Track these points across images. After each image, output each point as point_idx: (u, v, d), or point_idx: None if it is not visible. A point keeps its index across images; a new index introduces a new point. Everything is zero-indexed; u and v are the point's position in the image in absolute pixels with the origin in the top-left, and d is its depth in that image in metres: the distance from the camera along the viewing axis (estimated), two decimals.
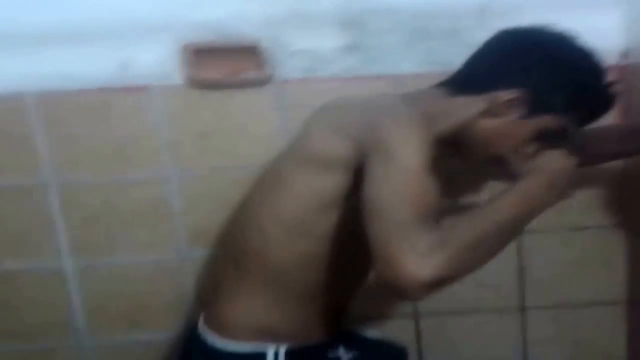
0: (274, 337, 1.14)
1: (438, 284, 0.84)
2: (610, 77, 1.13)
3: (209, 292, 1.29)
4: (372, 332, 1.35)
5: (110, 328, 1.56)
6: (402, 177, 0.91)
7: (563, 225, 1.55)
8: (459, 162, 1.24)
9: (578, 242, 1.57)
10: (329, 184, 1.05)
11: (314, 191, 1.07)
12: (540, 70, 1.07)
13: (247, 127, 1.45)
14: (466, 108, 1.10)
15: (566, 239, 1.57)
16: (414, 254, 0.83)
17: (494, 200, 0.96)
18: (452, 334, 1.62)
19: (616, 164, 1.50)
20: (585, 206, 1.54)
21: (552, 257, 1.58)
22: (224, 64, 1.40)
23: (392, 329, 1.47)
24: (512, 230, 0.98)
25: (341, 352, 1.20)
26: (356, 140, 1.01)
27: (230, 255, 1.23)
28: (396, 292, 0.86)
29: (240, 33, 1.39)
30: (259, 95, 1.42)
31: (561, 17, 1.38)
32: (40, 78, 1.39)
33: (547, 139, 1.09)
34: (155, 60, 1.40)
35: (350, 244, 1.06)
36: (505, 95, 1.07)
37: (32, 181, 1.46)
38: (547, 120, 1.08)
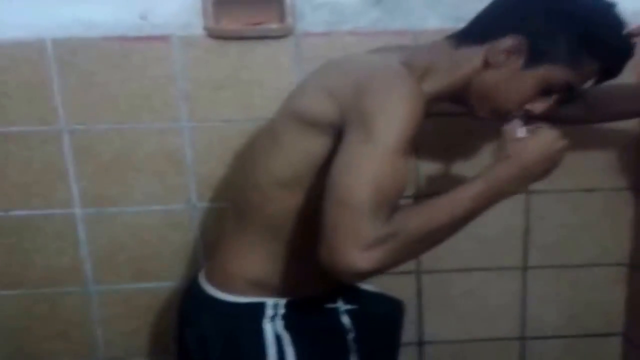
0: (273, 291, 1.14)
1: (373, 274, 0.87)
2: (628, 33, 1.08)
3: (212, 246, 1.29)
4: (370, 287, 1.35)
5: (117, 276, 1.57)
6: (374, 158, 0.89)
7: (572, 187, 1.56)
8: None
9: (585, 205, 1.58)
10: (318, 144, 1.02)
11: (305, 151, 1.04)
12: (542, 16, 1.04)
13: (264, 79, 1.43)
14: (467, 60, 1.08)
15: (574, 201, 1.57)
16: (357, 246, 0.84)
17: (457, 191, 0.95)
18: (453, 291, 1.64)
19: (632, 128, 1.50)
20: (595, 168, 1.55)
21: (558, 219, 1.59)
22: (244, 15, 1.38)
23: (393, 285, 1.48)
24: (467, 221, 0.97)
25: (339, 304, 1.22)
26: (343, 103, 0.97)
27: (232, 209, 1.23)
28: (328, 272, 0.88)
29: None
30: (279, 47, 1.41)
31: None
32: (60, 25, 1.38)
33: (552, 95, 1.08)
34: (175, 10, 1.38)
35: None
36: (504, 42, 1.04)
37: (46, 129, 1.45)
38: (550, 72, 1.05)
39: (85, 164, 1.48)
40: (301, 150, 1.05)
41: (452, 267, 1.61)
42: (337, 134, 0.97)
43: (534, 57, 1.04)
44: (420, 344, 1.67)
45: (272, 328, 1.10)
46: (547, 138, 1.02)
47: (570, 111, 1.27)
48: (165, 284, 1.58)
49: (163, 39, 1.40)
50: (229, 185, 1.49)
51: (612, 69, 1.10)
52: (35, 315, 1.58)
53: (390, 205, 0.89)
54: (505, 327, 1.67)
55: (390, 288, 1.45)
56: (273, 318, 1.12)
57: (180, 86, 1.43)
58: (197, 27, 1.39)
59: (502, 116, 1.09)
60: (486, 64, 1.06)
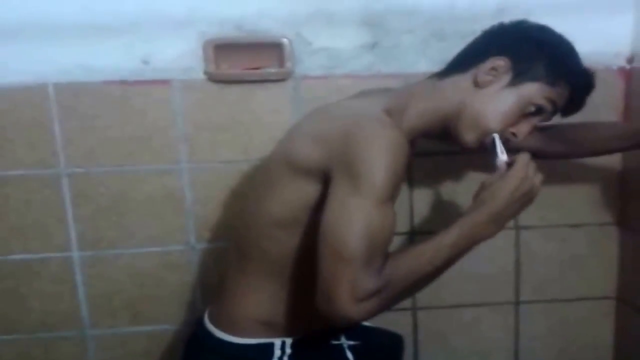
0: (279, 330, 1.15)
1: (365, 319, 0.93)
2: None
3: (215, 287, 1.30)
4: (369, 322, 1.38)
5: (113, 320, 1.56)
6: (363, 210, 0.92)
7: (559, 222, 1.61)
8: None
9: (573, 240, 1.63)
10: (311, 188, 1.04)
11: (298, 194, 1.06)
12: (519, 41, 1.13)
13: (263, 121, 1.47)
14: (454, 85, 1.14)
15: (562, 236, 1.62)
16: (354, 299, 0.88)
17: (437, 239, 0.98)
18: (448, 326, 1.66)
19: (615, 164, 1.57)
20: (582, 204, 1.60)
21: (548, 253, 1.63)
22: (244, 60, 1.42)
23: (390, 321, 1.49)
24: (449, 266, 1.01)
25: (343, 340, 1.23)
26: (330, 150, 1.00)
27: (233, 249, 1.24)
28: (325, 318, 0.92)
29: (262, 29, 1.41)
30: (278, 90, 1.45)
31: (571, 20, 1.43)
32: (61, 70, 1.40)
33: (535, 114, 1.13)
34: (176, 55, 1.42)
35: None
36: (492, 61, 1.10)
37: (45, 172, 1.46)
38: (532, 89, 1.10)
39: (83, 206, 1.48)
40: (295, 193, 1.06)
41: (447, 304, 1.64)
42: (327, 178, 1.00)
43: (517, 74, 1.10)
44: None
45: None
46: (521, 175, 1.03)
47: (551, 147, 1.35)
48: (162, 326, 1.58)
49: (164, 83, 1.43)
50: (227, 226, 1.51)
51: (577, 97, 1.17)
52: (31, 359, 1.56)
53: (381, 255, 0.93)
54: None
55: (387, 324, 1.47)
56: (281, 358, 1.13)
57: (180, 128, 1.46)
58: (197, 72, 1.42)
59: (487, 142, 1.12)
60: (475, 84, 1.11)
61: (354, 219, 0.92)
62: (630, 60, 1.49)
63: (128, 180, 1.48)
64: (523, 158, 1.04)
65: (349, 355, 1.21)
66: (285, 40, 1.41)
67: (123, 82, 1.42)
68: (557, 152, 1.37)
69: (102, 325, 1.56)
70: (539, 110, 1.12)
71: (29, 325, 1.54)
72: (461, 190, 1.55)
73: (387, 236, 0.94)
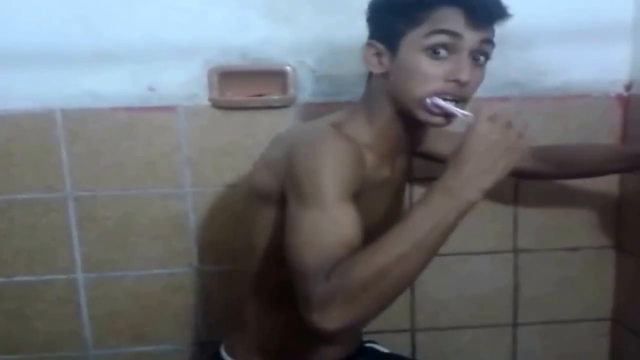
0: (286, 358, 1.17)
1: (351, 326, 0.84)
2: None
3: (230, 320, 1.30)
4: (384, 347, 1.40)
5: (116, 341, 1.58)
6: (309, 220, 0.90)
7: (557, 245, 1.64)
8: None
9: (570, 263, 1.65)
10: (278, 215, 1.03)
11: (268, 222, 1.06)
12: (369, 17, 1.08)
13: (265, 146, 1.48)
14: (368, 87, 1.13)
15: (560, 259, 1.64)
16: (312, 310, 0.83)
17: (410, 215, 0.87)
18: (447, 348, 1.68)
19: (612, 188, 1.60)
20: (579, 228, 1.63)
21: (545, 276, 1.65)
22: (248, 87, 1.44)
23: (389, 343, 1.52)
24: (435, 242, 0.85)
25: None
26: (278, 172, 1.00)
27: (239, 280, 1.25)
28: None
29: (266, 57, 1.44)
30: (281, 116, 1.47)
31: (570, 49, 1.47)
32: (69, 96, 1.43)
33: (449, 50, 0.99)
34: (181, 82, 1.44)
35: None
36: (366, 53, 1.07)
37: (51, 196, 1.48)
38: (412, 42, 1.00)
39: (88, 229, 1.50)
40: (265, 221, 1.07)
41: (445, 325, 1.66)
42: (285, 201, 0.98)
43: (389, 44, 1.04)
44: None
45: None
46: (483, 126, 0.88)
47: (546, 167, 1.36)
48: (164, 347, 1.59)
49: (169, 109, 1.45)
50: (230, 249, 1.53)
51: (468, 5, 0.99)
52: None
53: (335, 259, 0.86)
54: None
55: (386, 346, 1.49)
56: None
57: (185, 153, 1.48)
58: (202, 98, 1.45)
59: (431, 108, 1.02)
60: (376, 75, 1.08)
61: (301, 231, 0.90)
62: (628, 87, 1.52)
63: (133, 204, 1.50)
64: (483, 110, 0.89)
65: None
66: (288, 68, 1.43)
67: (129, 109, 1.44)
68: (552, 173, 1.38)
69: (105, 346, 1.58)
70: (445, 47, 0.99)
71: (33, 346, 1.56)
72: None
73: (343, 239, 0.88)
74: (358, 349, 1.30)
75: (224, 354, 1.21)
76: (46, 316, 1.55)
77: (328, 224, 0.89)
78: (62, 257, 1.51)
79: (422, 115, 1.03)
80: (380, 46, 1.05)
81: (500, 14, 1.01)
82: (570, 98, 1.52)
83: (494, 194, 1.57)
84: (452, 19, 0.98)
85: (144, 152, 1.47)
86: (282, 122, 1.47)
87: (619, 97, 1.53)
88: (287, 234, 0.92)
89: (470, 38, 0.98)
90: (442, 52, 0.99)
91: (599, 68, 1.51)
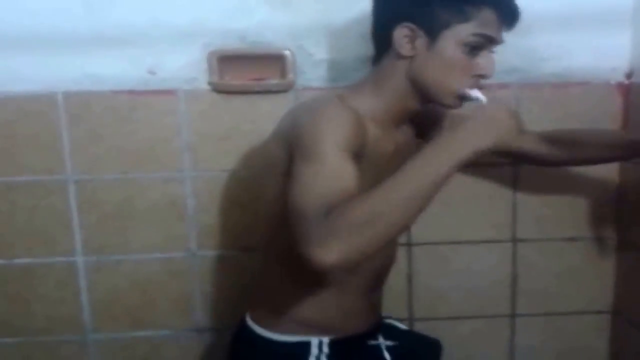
0: (316, 329, 1.19)
1: (349, 262, 0.87)
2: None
3: (253, 289, 1.32)
4: (407, 325, 1.43)
5: (115, 325, 1.59)
6: (313, 173, 0.94)
7: (556, 236, 1.62)
8: None
9: (570, 254, 1.64)
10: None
11: (283, 191, 1.06)
12: (408, 2, 1.10)
13: (264, 131, 1.46)
14: (386, 66, 1.14)
15: (559, 250, 1.63)
16: (312, 247, 0.86)
17: (399, 171, 0.92)
18: (444, 338, 1.63)
19: (613, 178, 1.59)
20: (579, 218, 1.62)
21: (544, 267, 1.64)
22: (247, 71, 1.45)
23: None
24: (419, 198, 0.91)
25: (380, 340, 1.27)
26: (286, 141, 1.06)
27: (263, 253, 1.28)
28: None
29: (265, 41, 1.45)
30: (280, 101, 1.47)
31: (571, 36, 1.47)
32: (70, 79, 1.44)
33: (479, 47, 1.08)
34: (181, 66, 1.45)
35: None
36: (398, 32, 1.08)
37: (52, 178, 1.49)
38: (453, 36, 1.06)
39: (88, 213, 1.52)
40: (279, 193, 1.09)
41: (444, 316, 1.65)
42: None
43: (429, 31, 1.07)
44: None
45: None
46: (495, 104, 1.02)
47: (550, 151, 1.35)
48: (163, 332, 1.60)
49: (169, 93, 1.46)
50: (229, 234, 1.55)
51: (504, 10, 1.10)
52: None
53: (336, 204, 0.89)
54: None
55: None
56: (318, 357, 1.17)
57: (185, 138, 1.49)
58: (202, 82, 1.46)
59: (466, 97, 1.11)
60: (403, 57, 1.10)
61: (301, 179, 0.94)
62: (628, 75, 1.51)
63: (133, 188, 1.51)
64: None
65: (387, 355, 1.25)
66: (287, 52, 1.44)
67: (130, 92, 1.45)
68: (556, 156, 1.37)
69: (104, 330, 1.59)
70: (481, 47, 1.08)
71: (31, 329, 1.57)
72: (462, 190, 1.57)
73: (339, 187, 0.92)
74: (377, 324, 1.32)
75: (249, 320, 1.24)
76: (46, 300, 1.56)
77: (328, 173, 0.94)
78: (62, 241, 1.53)
79: (448, 101, 1.12)
80: (420, 31, 1.07)
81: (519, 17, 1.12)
82: (570, 85, 1.52)
83: (492, 183, 1.57)
84: (492, 23, 1.08)
85: (145, 135, 1.48)
86: (281, 107, 1.45)
87: (620, 85, 1.52)
88: (289, 189, 0.96)
89: (499, 40, 1.11)
90: (476, 51, 1.08)
91: (599, 55, 1.50)
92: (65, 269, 1.54)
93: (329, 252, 0.85)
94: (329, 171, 0.94)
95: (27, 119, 1.45)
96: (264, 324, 1.21)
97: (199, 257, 1.56)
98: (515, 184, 1.58)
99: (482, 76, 1.10)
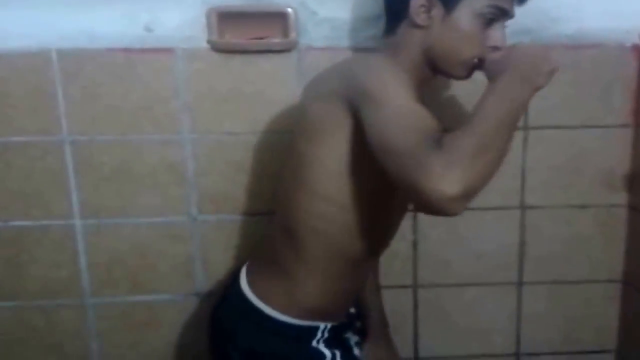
0: (326, 317, 1.20)
1: (468, 194, 0.86)
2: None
3: (259, 263, 1.26)
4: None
5: (114, 289, 1.57)
6: (396, 112, 0.93)
7: (565, 203, 1.59)
8: None
9: (579, 221, 1.60)
10: (343, 148, 1.06)
11: (334, 159, 1.07)
12: None
13: (265, 92, 1.46)
14: (402, 36, 1.15)
15: (568, 217, 1.60)
16: (434, 177, 0.84)
17: (479, 108, 0.94)
18: (449, 305, 1.65)
19: (625, 144, 1.55)
20: (589, 185, 1.58)
21: (553, 234, 1.61)
22: (248, 29, 1.40)
23: (391, 299, 1.50)
24: (508, 126, 0.94)
25: (349, 334, 1.33)
26: (345, 99, 1.03)
27: (280, 229, 1.21)
28: (440, 214, 0.87)
29: None
30: (281, 61, 1.43)
31: None
32: (65, 36, 1.40)
33: (494, 19, 1.11)
34: (179, 23, 1.41)
35: (381, 205, 1.13)
36: (414, 3, 1.10)
37: (48, 139, 1.46)
38: (471, 6, 1.09)
39: (86, 175, 1.48)
40: (330, 159, 1.08)
41: (449, 282, 1.63)
42: (354, 129, 1.03)
43: (445, 2, 1.09)
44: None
45: (324, 347, 1.19)
46: (525, 49, 1.04)
47: None
48: (162, 296, 1.58)
49: (167, 51, 1.42)
50: (229, 198, 1.52)
51: None
52: (31, 327, 1.57)
53: (435, 137, 0.90)
54: (500, 343, 1.69)
55: (387, 302, 1.47)
56: (318, 341, 1.19)
57: (183, 98, 1.45)
58: (201, 40, 1.41)
59: (475, 67, 1.13)
60: (418, 26, 1.11)
61: (393, 122, 0.92)
62: None
63: (130, 150, 1.48)
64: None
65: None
66: (289, 10, 1.39)
67: (126, 50, 1.41)
68: None
69: (102, 294, 1.57)
70: (495, 19, 1.12)
71: (29, 293, 1.55)
72: None
73: (431, 121, 0.93)
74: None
75: (256, 301, 1.19)
76: (43, 262, 1.54)
77: (416, 111, 0.93)
78: (59, 203, 1.50)
79: (459, 72, 1.14)
80: (436, 1, 1.09)
81: None
82: (583, 47, 1.47)
83: None
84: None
85: (142, 95, 1.44)
86: (283, 68, 1.44)
87: (635, 47, 1.47)
88: (374, 136, 0.94)
89: (511, 13, 1.13)
90: (489, 24, 1.11)
91: (613, 16, 1.44)
92: (63, 232, 1.52)
93: (453, 182, 0.83)
94: (412, 109, 0.93)
95: (21, 77, 1.41)
96: (275, 306, 1.17)
97: (199, 222, 1.53)
98: (524, 150, 1.54)
99: (495, 48, 1.11)
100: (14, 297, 1.55)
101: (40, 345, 1.58)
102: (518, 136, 1.52)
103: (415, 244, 1.59)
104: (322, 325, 1.20)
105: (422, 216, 1.56)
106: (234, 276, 1.27)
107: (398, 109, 0.93)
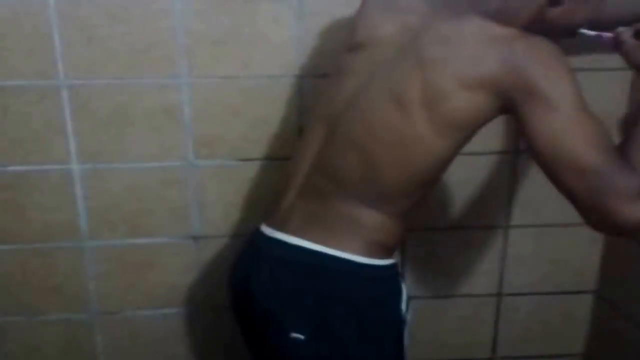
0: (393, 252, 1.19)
1: None
2: None
3: (314, 212, 1.14)
4: None
5: (112, 232, 1.58)
6: (573, 120, 0.89)
7: None
8: None
9: None
10: (460, 143, 1.05)
11: (447, 148, 1.04)
12: None
13: (265, 35, 1.45)
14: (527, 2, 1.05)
15: None
16: (626, 200, 0.83)
17: None
18: (436, 248, 1.69)
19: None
20: None
21: (543, 179, 1.62)
22: None
23: None
24: None
25: None
26: (501, 92, 0.96)
27: (327, 175, 1.14)
28: (617, 235, 0.90)
29: None
30: (282, 3, 1.43)
31: None
32: None
33: None
34: None
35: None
36: None
37: (44, 83, 1.44)
38: None
39: (83, 119, 1.48)
40: (438, 150, 1.04)
41: (437, 226, 1.67)
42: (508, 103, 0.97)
43: None
44: None
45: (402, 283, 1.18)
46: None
47: None
48: (160, 240, 1.60)
49: None
50: (227, 143, 1.53)
51: None
52: (30, 269, 1.59)
53: (616, 151, 0.89)
54: (483, 284, 1.75)
55: None
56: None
57: (181, 41, 1.44)
58: None
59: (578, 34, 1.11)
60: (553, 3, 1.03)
61: (571, 132, 0.89)
62: None
63: (127, 94, 1.47)
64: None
65: None
66: None
67: None
68: None
69: (100, 237, 1.58)
70: None
71: (27, 236, 1.56)
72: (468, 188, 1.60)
73: (606, 130, 0.90)
74: None
75: (339, 253, 1.10)
76: (41, 206, 1.54)
77: (592, 117, 0.90)
78: (56, 147, 1.50)
79: (565, 36, 1.09)
80: None
81: None
82: None
83: None
84: None
85: (139, 38, 1.43)
86: (283, 10, 1.44)
87: None
88: (546, 148, 0.91)
89: None
90: None
91: None
92: (61, 176, 1.52)
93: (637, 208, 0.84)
94: (590, 115, 0.90)
95: (16, 19, 1.39)
96: (356, 250, 1.10)
97: (196, 167, 1.55)
98: None
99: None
100: (13, 241, 1.56)
101: (39, 287, 1.60)
102: None
103: None
104: (395, 261, 1.18)
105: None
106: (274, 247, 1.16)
107: (576, 115, 0.90)
